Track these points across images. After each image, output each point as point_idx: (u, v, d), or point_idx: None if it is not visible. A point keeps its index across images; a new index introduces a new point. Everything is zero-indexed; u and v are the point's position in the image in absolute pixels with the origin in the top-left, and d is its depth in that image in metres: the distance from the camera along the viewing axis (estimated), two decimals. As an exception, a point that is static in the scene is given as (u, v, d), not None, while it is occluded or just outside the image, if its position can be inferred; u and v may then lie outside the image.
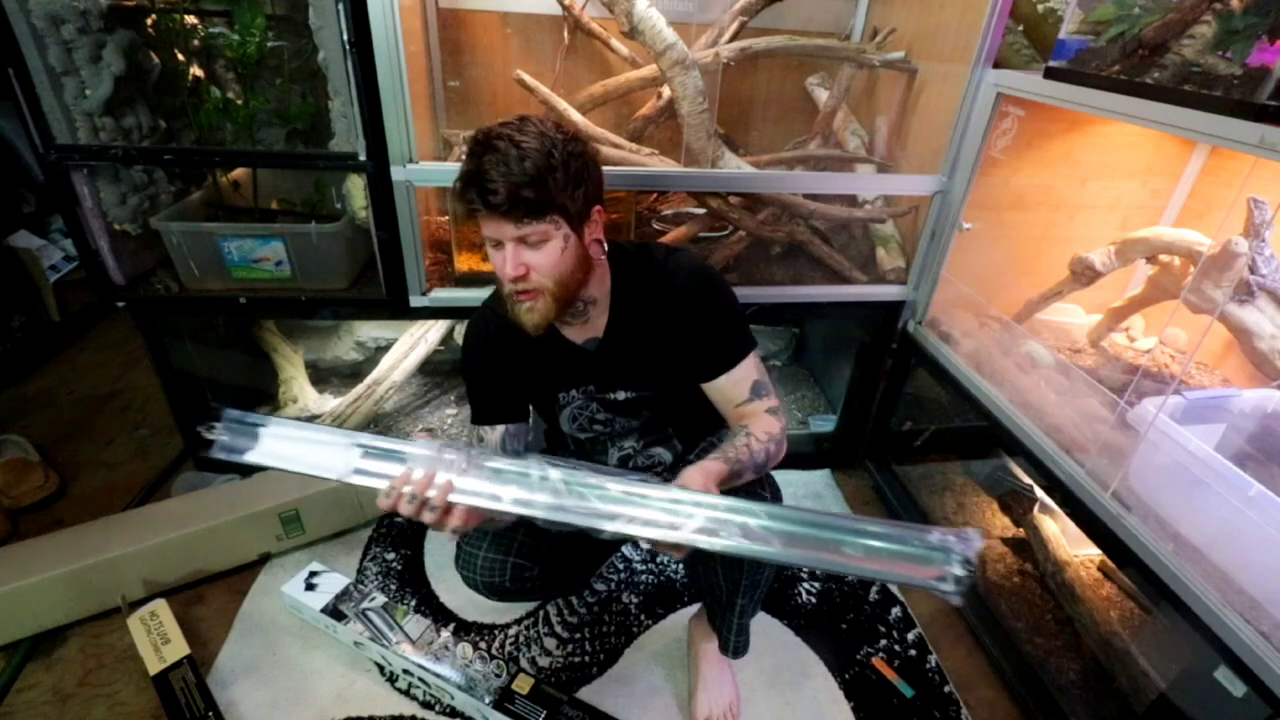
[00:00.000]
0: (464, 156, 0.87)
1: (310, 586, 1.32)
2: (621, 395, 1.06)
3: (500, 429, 1.05)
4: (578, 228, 0.89)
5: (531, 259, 0.87)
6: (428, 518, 0.79)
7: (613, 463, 1.16)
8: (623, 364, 1.03)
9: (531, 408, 1.13)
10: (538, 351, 1.03)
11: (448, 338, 1.87)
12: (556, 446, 1.25)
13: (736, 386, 1.00)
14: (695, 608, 1.36)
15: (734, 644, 1.14)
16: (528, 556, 1.07)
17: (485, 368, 1.04)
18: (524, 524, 1.07)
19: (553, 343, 1.03)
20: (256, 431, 0.76)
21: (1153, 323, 1.57)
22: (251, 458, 0.76)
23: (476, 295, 1.37)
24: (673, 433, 1.13)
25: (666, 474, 1.17)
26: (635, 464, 1.15)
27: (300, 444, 0.78)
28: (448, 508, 0.79)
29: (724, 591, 1.07)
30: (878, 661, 1.33)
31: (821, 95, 1.70)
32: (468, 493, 0.79)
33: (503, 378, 1.04)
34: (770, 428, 0.96)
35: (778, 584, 1.47)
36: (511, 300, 0.92)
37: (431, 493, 0.78)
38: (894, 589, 1.48)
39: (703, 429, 1.16)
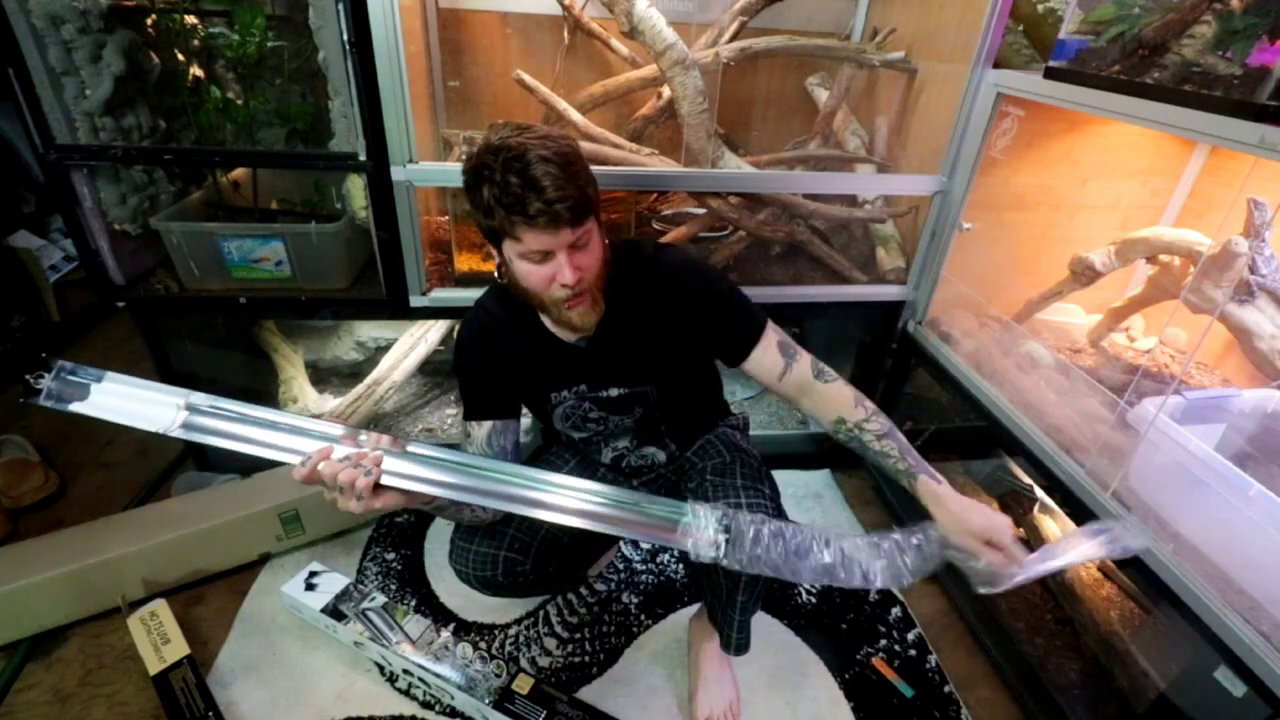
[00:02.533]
0: (483, 174, 0.82)
1: (310, 586, 1.32)
2: (614, 391, 1.06)
3: (488, 424, 1.04)
4: (599, 221, 0.91)
5: (581, 261, 0.88)
6: (362, 482, 0.78)
7: (605, 462, 1.16)
8: (615, 360, 1.03)
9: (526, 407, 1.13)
10: (530, 351, 1.03)
11: (448, 338, 1.87)
12: (554, 444, 1.25)
13: (769, 356, 1.00)
14: (695, 608, 1.36)
15: (736, 641, 1.14)
16: (520, 551, 1.07)
17: (477, 366, 1.04)
18: (516, 519, 1.07)
19: (544, 342, 1.02)
20: (88, 386, 0.78)
21: (1153, 323, 1.57)
22: (76, 408, 0.77)
23: (476, 295, 1.36)
24: (665, 431, 1.13)
25: (661, 472, 1.17)
26: (628, 464, 1.15)
27: (130, 400, 0.79)
28: (376, 485, 0.79)
29: (724, 589, 1.07)
30: (878, 661, 1.33)
31: (821, 95, 1.70)
32: (398, 475, 0.79)
33: (494, 376, 1.04)
34: (862, 401, 0.96)
35: (777, 584, 1.47)
36: (559, 308, 0.92)
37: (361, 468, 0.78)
38: (895, 590, 1.48)
39: (695, 428, 1.16)
